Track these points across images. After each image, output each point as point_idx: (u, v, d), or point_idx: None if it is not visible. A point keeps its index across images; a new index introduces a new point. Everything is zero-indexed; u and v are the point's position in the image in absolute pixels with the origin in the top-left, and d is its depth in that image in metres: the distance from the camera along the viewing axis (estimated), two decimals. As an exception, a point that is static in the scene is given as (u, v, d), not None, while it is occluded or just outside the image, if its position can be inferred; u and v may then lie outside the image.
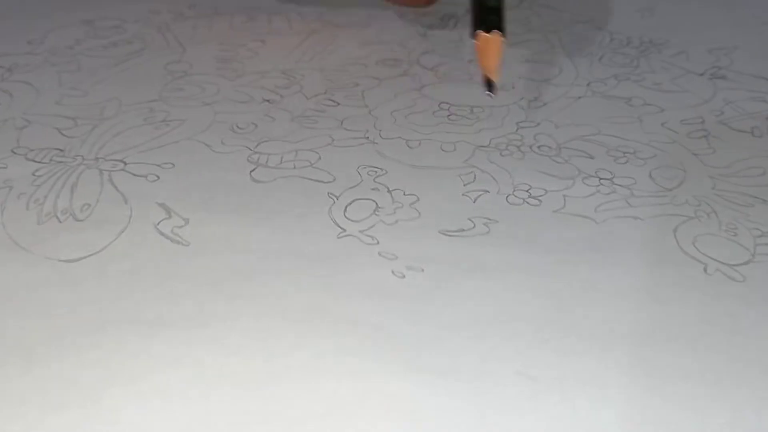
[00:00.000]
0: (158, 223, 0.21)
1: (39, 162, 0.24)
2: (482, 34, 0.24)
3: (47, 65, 0.30)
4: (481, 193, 0.23)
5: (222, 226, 0.21)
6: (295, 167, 0.24)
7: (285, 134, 0.25)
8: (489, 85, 0.24)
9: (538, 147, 0.25)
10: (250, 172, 0.24)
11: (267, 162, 0.24)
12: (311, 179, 0.23)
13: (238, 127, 0.26)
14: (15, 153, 0.24)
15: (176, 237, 0.21)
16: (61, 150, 0.24)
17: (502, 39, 0.24)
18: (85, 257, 0.20)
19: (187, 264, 0.20)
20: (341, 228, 0.21)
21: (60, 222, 0.21)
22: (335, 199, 0.22)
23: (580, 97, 0.28)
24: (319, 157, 0.24)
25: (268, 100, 0.28)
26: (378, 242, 0.21)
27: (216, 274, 0.19)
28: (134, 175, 0.23)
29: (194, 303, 0.19)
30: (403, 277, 0.20)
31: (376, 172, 0.24)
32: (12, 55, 0.31)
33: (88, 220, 0.21)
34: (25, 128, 0.26)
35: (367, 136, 0.26)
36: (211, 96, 0.28)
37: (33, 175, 0.23)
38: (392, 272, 0.20)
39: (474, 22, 0.25)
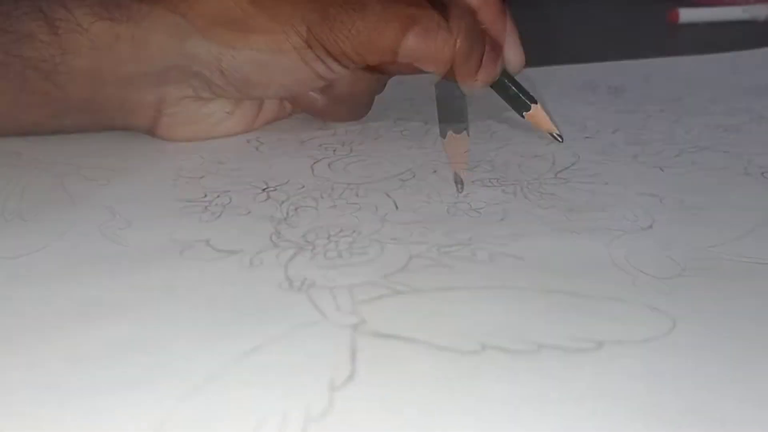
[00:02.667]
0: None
1: (496, 185, 0.27)
2: (528, 113, 0.31)
3: (370, 140, 0.33)
4: None
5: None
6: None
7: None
8: (555, 136, 0.31)
9: None
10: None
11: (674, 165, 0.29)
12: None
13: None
14: (464, 185, 0.27)
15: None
16: (498, 177, 0.28)
17: (540, 105, 0.31)
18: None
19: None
20: None
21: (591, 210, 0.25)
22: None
23: None
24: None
25: (588, 137, 0.33)
26: None
27: None
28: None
29: None
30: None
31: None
32: (324, 137, 0.33)
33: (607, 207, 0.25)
34: (436, 172, 0.29)
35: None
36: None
37: (505, 193, 0.27)
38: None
39: (516, 107, 0.31)
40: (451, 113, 0.30)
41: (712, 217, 0.25)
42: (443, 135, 0.29)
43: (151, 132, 0.31)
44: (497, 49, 0.30)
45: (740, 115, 0.36)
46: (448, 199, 0.26)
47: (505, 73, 0.31)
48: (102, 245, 0.23)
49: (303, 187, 0.27)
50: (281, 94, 0.33)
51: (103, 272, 0.21)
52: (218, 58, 0.28)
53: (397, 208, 0.25)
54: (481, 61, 0.29)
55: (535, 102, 0.31)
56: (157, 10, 0.27)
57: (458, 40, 0.28)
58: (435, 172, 0.29)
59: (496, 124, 0.34)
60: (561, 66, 0.47)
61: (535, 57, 0.33)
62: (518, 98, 0.31)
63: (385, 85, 0.34)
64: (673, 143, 0.32)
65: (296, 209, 0.25)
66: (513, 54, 0.31)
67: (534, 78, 0.44)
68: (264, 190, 0.27)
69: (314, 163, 0.30)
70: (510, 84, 0.31)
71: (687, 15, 0.61)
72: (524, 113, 0.31)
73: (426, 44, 0.28)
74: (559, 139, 0.31)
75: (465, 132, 0.29)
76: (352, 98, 0.32)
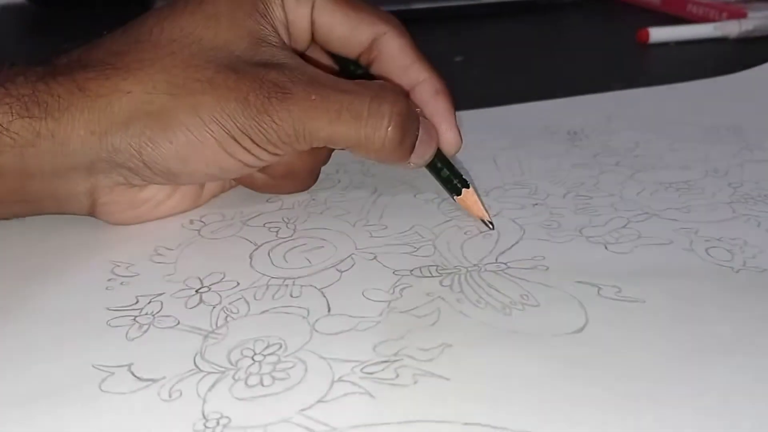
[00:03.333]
0: (599, 293, 0.25)
1: (433, 276, 0.27)
2: (459, 197, 0.31)
3: (315, 215, 0.32)
4: None
5: (645, 283, 0.26)
6: (631, 240, 0.29)
7: (583, 222, 0.31)
8: (487, 224, 0.30)
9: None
10: (605, 248, 0.29)
11: (606, 240, 0.29)
12: (654, 244, 0.29)
13: (544, 224, 0.31)
14: (400, 275, 0.27)
15: (628, 297, 0.25)
16: (435, 265, 0.28)
17: (472, 189, 0.31)
18: (581, 328, 0.24)
19: (660, 317, 0.24)
20: (728, 267, 0.27)
21: (521, 311, 0.25)
22: (694, 253, 0.28)
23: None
24: (638, 232, 0.30)
25: (536, 203, 0.33)
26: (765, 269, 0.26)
27: (686, 322, 0.24)
28: (526, 269, 0.27)
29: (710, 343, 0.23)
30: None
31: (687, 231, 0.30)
32: (268, 213, 0.33)
33: (543, 306, 0.25)
34: (375, 259, 0.28)
35: (646, 211, 0.32)
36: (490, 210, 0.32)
37: (443, 286, 0.26)
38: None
39: (448, 190, 0.31)
40: (453, 173, 0.31)
41: (645, 313, 0.24)
42: (458, 193, 0.30)
43: (91, 215, 0.31)
44: (432, 131, 0.30)
45: (695, 168, 0.36)
46: (383, 296, 0.26)
47: (439, 154, 0.30)
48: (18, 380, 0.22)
49: (237, 285, 0.27)
50: (211, 180, 0.32)
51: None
52: (139, 151, 0.27)
53: (329, 311, 0.25)
54: (414, 144, 0.29)
55: (467, 186, 0.30)
56: (75, 106, 0.27)
57: (389, 128, 0.28)
58: (374, 258, 0.28)
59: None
60: (520, 105, 0.46)
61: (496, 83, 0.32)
62: (450, 181, 0.31)
63: (330, 155, 0.33)
64: (622, 209, 0.32)
65: (226, 318, 0.25)
66: (448, 137, 0.30)
67: (493, 120, 0.44)
68: (197, 291, 0.26)
69: (254, 250, 0.29)
70: (443, 166, 0.31)
71: (657, 35, 0.60)
72: (455, 197, 0.31)
73: (355, 132, 0.28)
74: (490, 227, 0.30)
75: (471, 184, 0.30)
76: (294, 174, 0.32)
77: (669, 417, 0.20)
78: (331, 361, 0.22)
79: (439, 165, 0.31)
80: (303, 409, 0.20)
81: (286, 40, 0.30)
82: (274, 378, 0.22)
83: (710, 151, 0.38)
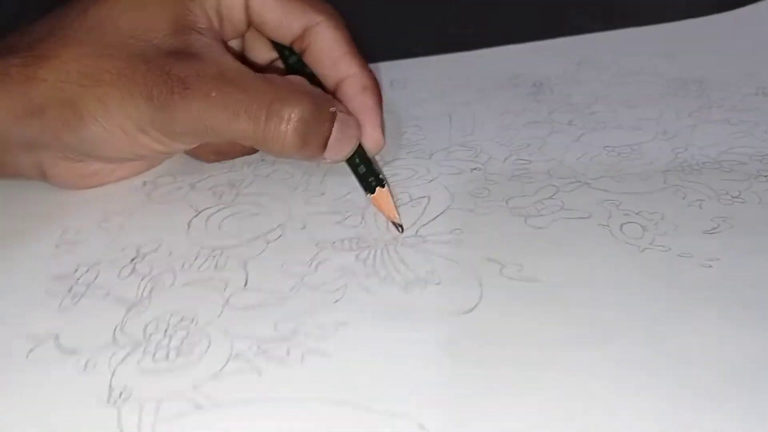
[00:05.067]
0: (501, 272, 0.27)
1: (352, 250, 0.28)
2: (373, 195, 0.30)
3: (260, 179, 0.34)
4: (696, 202, 0.30)
5: (556, 265, 0.27)
6: (553, 212, 0.30)
7: (520, 190, 0.31)
8: (397, 226, 0.30)
9: (703, 163, 0.33)
10: (525, 221, 0.29)
11: (529, 212, 0.30)
12: (572, 218, 0.29)
13: (476, 192, 0.31)
14: (321, 248, 0.29)
15: (525, 278, 0.26)
16: (357, 239, 0.29)
17: (387, 190, 0.30)
18: (469, 311, 0.25)
19: (551, 302, 0.25)
20: (637, 246, 0.27)
21: (424, 289, 0.26)
22: (606, 227, 0.28)
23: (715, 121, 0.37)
24: (561, 202, 0.30)
25: (476, 169, 0.33)
26: (670, 249, 0.27)
27: (597, 309, 0.25)
28: (439, 242, 0.28)
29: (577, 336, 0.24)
30: (710, 267, 0.26)
31: (613, 203, 0.30)
32: (217, 176, 0.34)
33: (444, 284, 0.26)
34: (304, 229, 0.30)
35: (578, 179, 0.32)
36: (427, 175, 0.33)
37: (358, 259, 0.28)
38: (701, 264, 0.26)
39: (363, 187, 0.31)
40: (369, 171, 0.31)
41: (537, 295, 0.25)
42: (371, 191, 0.30)
43: (46, 182, 0.33)
44: (352, 129, 0.30)
45: (646, 128, 0.36)
46: (300, 269, 0.27)
47: (359, 150, 0.31)
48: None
49: (171, 254, 0.29)
50: (133, 161, 0.33)
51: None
52: (58, 135, 0.29)
53: (245, 285, 0.27)
54: (323, 144, 0.29)
55: (382, 186, 0.30)
56: (2, 90, 0.28)
57: (288, 131, 0.28)
58: (303, 227, 0.30)
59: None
60: (492, 49, 0.46)
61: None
62: (365, 179, 0.31)
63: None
64: (556, 176, 0.32)
65: (152, 289, 0.27)
66: (371, 136, 0.31)
67: (461, 67, 0.44)
68: (132, 260, 0.29)
69: (194, 217, 0.31)
70: (360, 162, 0.31)
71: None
72: (369, 194, 0.30)
73: (254, 133, 0.28)
74: (400, 230, 0.29)
75: (386, 185, 0.30)
76: (224, 154, 0.33)
77: (550, 404, 0.21)
78: (234, 338, 0.24)
79: (357, 161, 0.31)
80: (196, 385, 0.23)
81: (216, 25, 0.30)
82: (179, 352, 0.24)
83: (666, 109, 0.38)
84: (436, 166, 0.34)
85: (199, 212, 0.31)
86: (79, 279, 0.28)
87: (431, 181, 0.33)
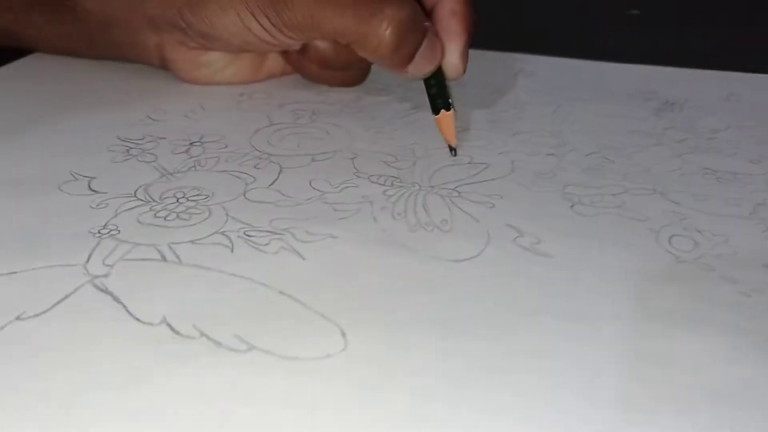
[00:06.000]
0: (515, 239, 0.25)
1: (383, 185, 0.28)
2: (437, 116, 0.31)
3: (343, 113, 0.35)
4: None
5: (573, 245, 0.25)
6: (606, 206, 0.27)
7: (584, 182, 0.29)
8: (451, 149, 0.31)
9: None
10: (571, 207, 0.27)
11: (580, 201, 0.28)
12: (626, 217, 0.27)
13: (540, 173, 0.30)
14: (358, 177, 0.29)
15: (538, 251, 0.24)
16: (396, 177, 0.29)
17: (452, 114, 0.30)
18: (468, 259, 0.24)
19: (557, 273, 0.23)
20: (674, 255, 0.25)
21: (429, 231, 0.25)
22: (656, 233, 0.26)
23: None
24: (623, 201, 0.28)
25: (552, 154, 0.32)
26: (714, 269, 0.24)
27: (588, 285, 0.23)
28: (472, 201, 0.27)
29: (580, 308, 0.22)
30: (750, 296, 0.23)
31: (679, 215, 0.27)
32: (307, 102, 0.36)
33: (452, 233, 0.25)
34: (355, 159, 0.30)
35: (655, 188, 0.29)
36: (501, 147, 0.32)
37: (384, 194, 0.27)
38: (740, 292, 0.23)
39: (431, 106, 0.31)
40: (440, 93, 0.31)
41: (543, 267, 0.24)
42: (436, 112, 0.31)
43: (164, 69, 0.36)
44: (437, 49, 0.30)
45: (765, 162, 0.32)
46: (325, 187, 0.28)
47: (438, 72, 0.31)
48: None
49: (225, 147, 0.30)
50: (241, 51, 0.35)
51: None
52: (181, 12, 0.32)
53: (270, 185, 0.28)
54: (412, 55, 0.30)
55: (448, 110, 0.30)
56: None
57: (387, 31, 0.29)
58: (354, 158, 0.30)
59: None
60: (642, 66, 0.43)
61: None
62: (434, 99, 0.31)
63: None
64: (631, 180, 0.29)
65: (192, 167, 0.29)
66: (450, 60, 0.31)
67: (604, 73, 0.42)
68: (191, 143, 0.31)
69: (265, 126, 0.33)
70: (435, 84, 0.31)
71: None
72: (435, 116, 0.31)
73: (356, 28, 0.29)
74: (453, 153, 0.30)
75: (452, 109, 0.30)
76: (329, 64, 0.34)
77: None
78: (231, 219, 0.25)
79: (432, 82, 0.31)
80: (173, 243, 0.24)
81: None
82: (178, 216, 0.25)
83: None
84: (513, 143, 0.32)
85: (272, 125, 0.33)
86: (139, 145, 0.30)
87: (500, 153, 0.31)
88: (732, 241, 0.26)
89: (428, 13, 0.32)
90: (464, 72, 0.31)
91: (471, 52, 0.38)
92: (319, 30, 0.30)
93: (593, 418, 0.18)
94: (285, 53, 0.36)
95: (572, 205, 0.27)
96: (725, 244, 0.25)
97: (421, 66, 0.30)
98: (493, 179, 0.29)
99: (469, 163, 0.30)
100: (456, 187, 0.28)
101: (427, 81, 0.31)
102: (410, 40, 0.30)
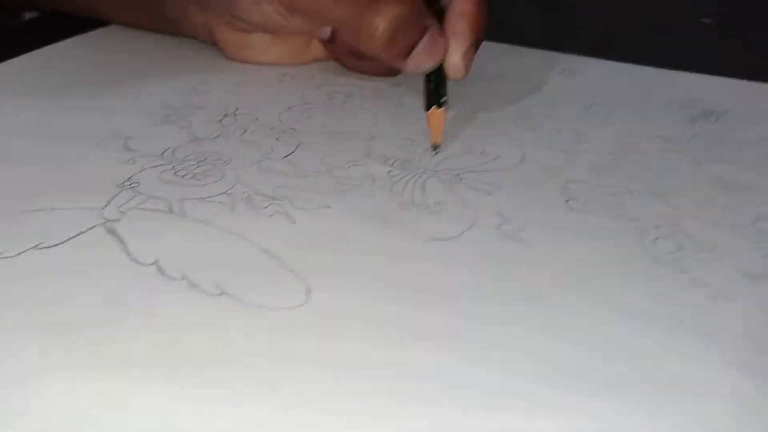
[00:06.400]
0: (499, 226, 0.26)
1: (390, 166, 0.30)
2: (428, 112, 0.31)
3: (374, 98, 0.37)
4: None
5: (554, 237, 0.26)
6: (602, 205, 0.28)
7: (587, 179, 0.30)
8: (434, 147, 0.31)
9: None
10: (566, 201, 0.28)
11: (577, 197, 0.28)
12: (618, 215, 0.27)
13: (546, 167, 0.31)
14: (369, 157, 0.30)
15: (518, 238, 0.26)
16: (405, 160, 0.30)
17: (443, 112, 0.31)
18: (446, 239, 0.25)
19: (529, 261, 0.24)
20: (654, 256, 0.25)
21: (419, 211, 0.27)
22: (643, 233, 0.26)
23: None
24: (620, 201, 0.28)
25: (565, 151, 0.32)
26: (689, 272, 0.24)
27: (555, 275, 0.24)
28: (471, 188, 0.29)
29: (539, 293, 0.23)
30: (715, 300, 0.23)
31: (673, 219, 0.27)
32: (345, 85, 0.38)
33: (441, 214, 0.27)
34: (371, 140, 0.32)
35: (656, 192, 0.29)
36: (518, 140, 0.33)
37: (388, 174, 0.29)
38: (705, 296, 0.23)
39: (425, 102, 0.32)
40: (435, 90, 0.32)
41: (517, 254, 0.25)
42: (427, 108, 0.32)
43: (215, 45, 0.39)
44: (438, 47, 0.31)
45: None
46: (334, 163, 0.30)
47: (439, 70, 0.32)
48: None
49: (255, 120, 0.33)
50: (268, 33, 0.38)
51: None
52: None
53: (284, 157, 0.30)
54: (409, 49, 0.31)
55: (440, 107, 0.31)
56: None
57: (381, 24, 0.31)
58: (371, 139, 0.32)
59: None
60: (693, 75, 0.43)
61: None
62: (429, 96, 0.31)
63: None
64: (637, 183, 0.30)
65: (218, 136, 0.31)
66: (451, 60, 0.31)
67: (648, 78, 0.42)
68: (225, 114, 0.33)
69: (297, 105, 0.35)
70: (432, 80, 0.32)
71: None
72: (426, 111, 0.31)
73: (352, 20, 0.31)
74: (435, 151, 0.31)
75: (444, 107, 0.31)
76: (356, 53, 0.36)
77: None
78: (240, 183, 0.28)
79: (431, 78, 0.32)
80: (183, 198, 0.26)
81: None
82: (194, 176, 0.28)
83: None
84: (532, 137, 0.33)
85: (305, 103, 0.35)
86: (179, 112, 0.33)
87: (515, 146, 0.32)
88: (719, 248, 0.26)
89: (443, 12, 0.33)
90: (465, 74, 0.32)
91: (518, 49, 0.39)
92: (322, 18, 0.33)
93: (543, 399, 0.19)
94: (322, 41, 0.38)
95: (568, 200, 0.28)
96: (710, 251, 0.26)
97: (420, 62, 0.31)
98: (498, 170, 0.30)
99: (481, 153, 0.32)
100: (459, 173, 0.30)
101: (427, 77, 0.32)
102: (405, 36, 0.31)
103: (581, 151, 0.33)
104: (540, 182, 0.30)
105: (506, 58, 0.44)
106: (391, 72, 0.38)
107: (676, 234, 0.26)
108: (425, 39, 0.31)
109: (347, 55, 0.37)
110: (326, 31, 0.35)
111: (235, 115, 0.33)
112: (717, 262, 0.25)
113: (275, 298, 0.22)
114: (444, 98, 0.31)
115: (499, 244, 0.25)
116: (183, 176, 0.28)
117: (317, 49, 0.39)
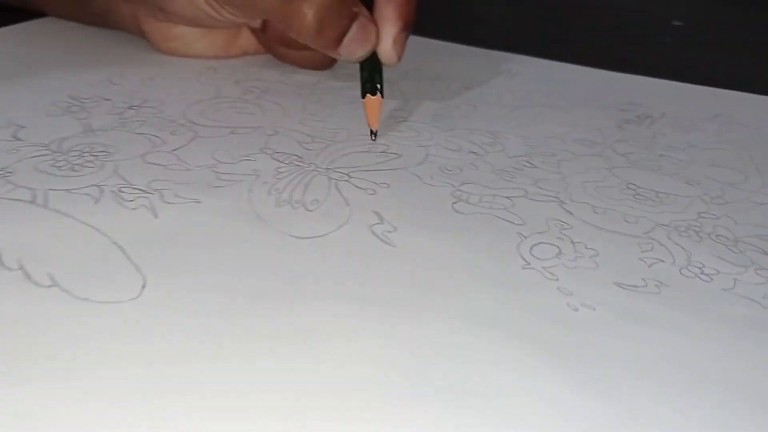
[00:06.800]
0: (372, 226, 0.25)
1: (281, 162, 0.29)
2: (364, 99, 0.31)
3: (293, 94, 0.36)
4: (656, 261, 0.25)
5: (425, 239, 0.25)
6: (491, 208, 0.27)
7: (486, 181, 0.29)
8: (372, 133, 0.31)
9: (716, 236, 0.27)
10: (453, 204, 0.27)
11: (468, 199, 0.27)
12: (504, 219, 0.26)
13: (446, 168, 0.30)
14: (263, 152, 0.30)
15: (386, 239, 0.25)
16: (300, 157, 0.30)
17: (379, 99, 0.31)
18: (310, 237, 0.24)
19: (391, 263, 0.23)
20: (526, 261, 0.24)
21: (293, 209, 0.26)
22: (523, 238, 0.25)
23: (762, 204, 0.29)
24: (513, 204, 0.27)
25: (473, 152, 0.31)
26: (558, 279, 0.23)
27: (414, 278, 0.23)
28: (356, 186, 0.28)
29: (391, 296, 0.22)
30: (577, 310, 0.22)
31: (562, 225, 0.26)
32: (266, 81, 0.37)
33: (316, 212, 0.26)
34: (273, 136, 0.31)
35: (557, 196, 0.28)
36: (426, 140, 0.32)
37: (276, 170, 0.28)
38: (567, 304, 0.22)
39: (361, 89, 0.31)
40: (370, 77, 0.31)
41: (384, 254, 0.24)
42: (363, 95, 0.31)
43: (143, 39, 0.39)
44: (370, 34, 0.31)
45: (702, 186, 0.30)
46: (226, 159, 0.29)
47: (372, 57, 0.31)
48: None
49: (160, 113, 0.32)
50: (195, 26, 0.37)
51: None
52: None
53: (173, 150, 0.29)
54: (339, 38, 0.30)
55: (374, 94, 0.30)
56: None
57: (308, 12, 0.30)
58: (272, 135, 0.31)
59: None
60: (633, 77, 0.41)
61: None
62: (364, 84, 0.31)
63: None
64: (539, 186, 0.29)
65: (115, 128, 0.31)
66: (385, 47, 0.31)
67: (587, 79, 0.41)
68: (130, 107, 0.33)
69: (209, 99, 0.34)
70: (366, 68, 0.31)
71: None
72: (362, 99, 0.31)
73: (280, 9, 0.31)
74: (373, 137, 0.31)
75: (379, 94, 0.31)
76: (288, 43, 0.36)
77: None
78: (115, 175, 0.27)
79: (365, 66, 0.31)
80: (51, 189, 0.26)
81: None
82: (72, 167, 0.27)
83: (751, 178, 0.31)
84: (442, 137, 0.32)
85: (217, 98, 0.35)
86: (83, 103, 0.33)
87: (420, 146, 0.31)
88: (602, 256, 0.25)
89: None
90: (399, 60, 0.31)
91: (465, 48, 0.38)
92: (253, 9, 0.32)
93: (369, 404, 0.18)
94: (255, 31, 0.38)
95: (455, 202, 0.27)
96: (590, 259, 0.24)
97: (351, 49, 0.31)
98: (394, 169, 0.29)
99: (383, 152, 0.31)
100: (350, 172, 0.29)
101: (362, 64, 0.32)
102: (334, 24, 0.30)
103: (490, 153, 0.31)
104: (433, 183, 0.28)
105: (450, 59, 0.43)
106: (327, 62, 0.37)
107: (560, 240, 0.25)
108: (354, 27, 0.30)
109: (279, 46, 0.37)
110: (257, 20, 0.35)
111: (139, 107, 0.33)
112: (593, 270, 0.24)
113: (106, 291, 0.21)
114: (379, 86, 0.31)
115: (364, 244, 0.24)
116: (60, 167, 0.27)
117: (246, 42, 0.39)
